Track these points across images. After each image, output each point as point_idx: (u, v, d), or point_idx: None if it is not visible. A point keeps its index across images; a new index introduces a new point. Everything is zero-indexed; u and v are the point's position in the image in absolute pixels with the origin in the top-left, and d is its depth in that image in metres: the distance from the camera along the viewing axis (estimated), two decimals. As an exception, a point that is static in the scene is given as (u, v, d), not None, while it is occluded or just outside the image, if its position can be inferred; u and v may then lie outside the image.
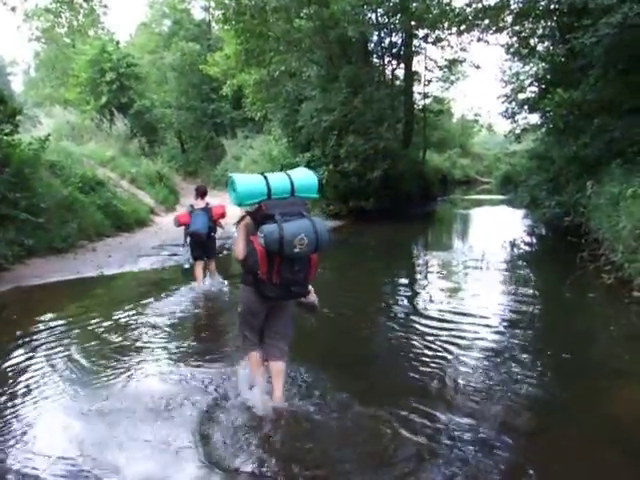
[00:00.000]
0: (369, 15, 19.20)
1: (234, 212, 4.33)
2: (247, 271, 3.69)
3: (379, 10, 19.26)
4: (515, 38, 15.39)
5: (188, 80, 29.65)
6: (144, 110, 26.16)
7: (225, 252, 10.17)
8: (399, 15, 18.94)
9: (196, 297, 7.32)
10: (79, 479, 3.11)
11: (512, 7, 13.93)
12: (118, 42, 29.23)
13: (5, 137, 10.53)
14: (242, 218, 3.74)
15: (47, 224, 10.12)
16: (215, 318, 6.79)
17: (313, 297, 4.00)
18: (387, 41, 21.21)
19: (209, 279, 7.79)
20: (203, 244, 7.39)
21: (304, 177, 3.86)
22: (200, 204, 7.41)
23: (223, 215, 7.37)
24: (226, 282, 7.66)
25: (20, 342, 5.43)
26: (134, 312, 6.59)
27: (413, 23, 18.88)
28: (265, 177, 3.62)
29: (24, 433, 3.61)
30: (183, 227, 7.56)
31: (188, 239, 7.53)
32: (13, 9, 13.03)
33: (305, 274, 3.67)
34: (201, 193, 7.56)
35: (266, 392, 3.85)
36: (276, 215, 3.43)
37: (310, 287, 3.92)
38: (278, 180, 3.65)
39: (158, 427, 3.62)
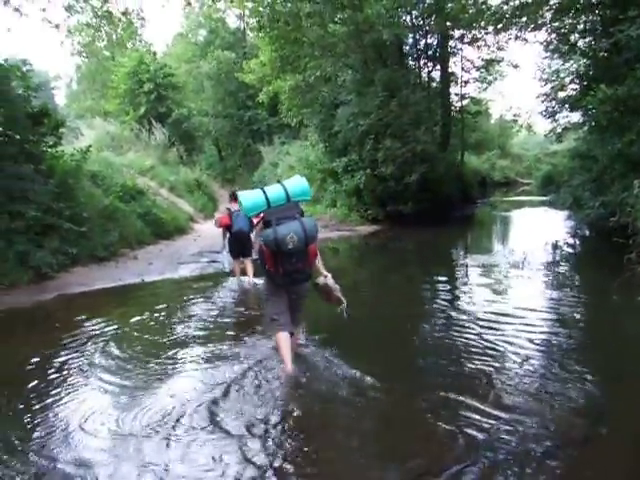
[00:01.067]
0: (404, 17, 19.10)
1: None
2: (262, 266, 4.54)
3: (414, 12, 19.13)
4: (554, 35, 15.00)
5: (224, 88, 29.95)
6: (182, 119, 26.56)
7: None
8: (434, 16, 18.76)
9: (233, 299, 7.42)
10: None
11: (551, 3, 13.59)
12: (155, 53, 29.84)
13: (49, 149, 10.82)
14: (257, 224, 4.59)
15: (89, 233, 10.30)
16: (249, 319, 6.72)
17: (330, 282, 4.70)
18: (422, 43, 21.07)
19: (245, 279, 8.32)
20: (244, 242, 7.97)
21: (296, 185, 4.53)
22: (236, 207, 7.86)
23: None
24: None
25: (62, 348, 5.48)
26: (173, 315, 6.65)
27: (448, 24, 18.65)
28: (264, 191, 4.40)
29: (55, 435, 3.64)
30: (222, 229, 8.27)
31: (226, 241, 8.30)
32: (57, 26, 13.41)
33: (303, 264, 4.39)
34: (235, 197, 7.68)
35: (294, 374, 4.40)
36: (272, 221, 4.22)
37: (328, 274, 4.73)
38: (274, 192, 4.41)
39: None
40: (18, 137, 10.01)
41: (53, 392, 4.43)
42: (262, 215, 4.36)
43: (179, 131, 25.94)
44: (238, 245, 8.16)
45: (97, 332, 6.11)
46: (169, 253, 11.80)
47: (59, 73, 47.03)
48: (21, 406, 4.17)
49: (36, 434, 3.70)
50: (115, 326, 6.33)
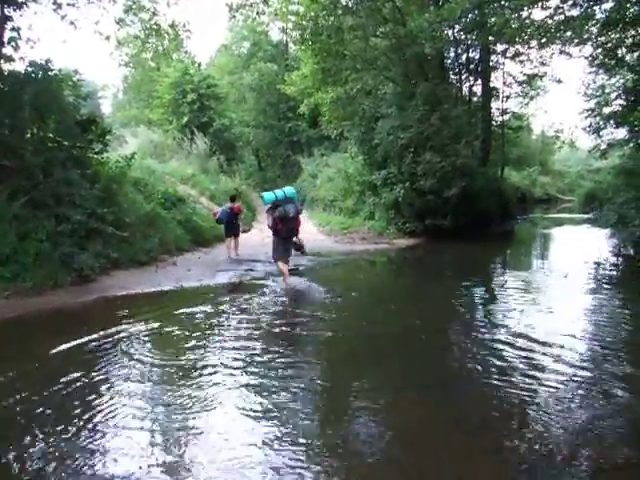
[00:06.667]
0: (446, 31, 19.03)
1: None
2: (273, 228, 8.82)
3: (456, 26, 19.06)
4: (600, 49, 14.74)
5: (266, 99, 30.31)
6: (223, 129, 26.94)
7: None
8: (477, 30, 18.64)
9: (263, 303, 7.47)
10: None
11: (597, 17, 13.36)
12: (199, 64, 30.37)
13: (95, 155, 11.12)
14: (268, 209, 8.79)
15: (131, 238, 10.50)
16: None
17: (303, 241, 9.21)
18: (464, 57, 21.03)
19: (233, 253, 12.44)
20: (229, 226, 12.45)
21: (289, 190, 8.90)
22: (229, 204, 12.67)
23: (240, 210, 12.67)
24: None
25: (104, 346, 5.63)
26: (205, 317, 6.73)
27: (491, 38, 18.52)
28: (274, 193, 8.72)
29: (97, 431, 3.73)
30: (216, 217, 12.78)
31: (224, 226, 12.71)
32: (107, 38, 13.85)
33: (294, 226, 8.88)
34: (231, 198, 13.01)
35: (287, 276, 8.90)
36: (282, 204, 8.57)
37: (301, 237, 9.15)
38: (279, 193, 8.70)
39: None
40: (67, 143, 10.35)
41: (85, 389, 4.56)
42: (275, 203, 8.59)
43: (220, 141, 26.28)
44: (227, 228, 12.46)
45: (133, 332, 6.26)
46: (207, 260, 11.94)
47: (107, 83, 48.25)
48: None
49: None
50: (150, 327, 6.48)
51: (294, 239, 9.01)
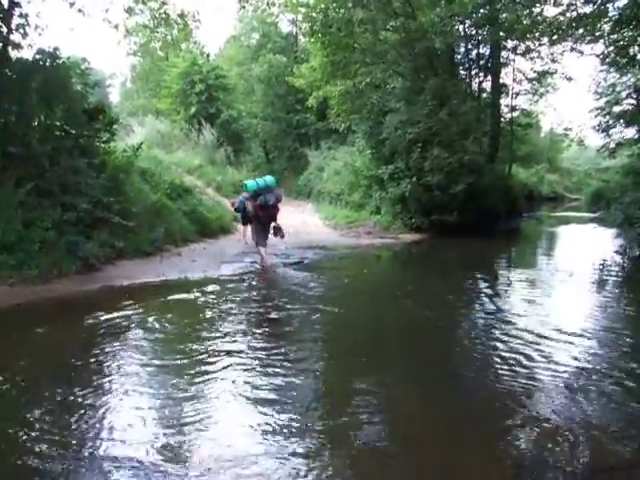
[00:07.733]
0: (457, 27, 18.88)
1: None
2: (254, 215, 9.91)
3: (467, 21, 18.92)
4: (612, 47, 14.59)
5: (274, 91, 30.15)
6: (231, 120, 26.85)
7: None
8: (487, 26, 18.50)
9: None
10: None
11: (610, 14, 13.23)
12: (208, 55, 30.30)
13: (103, 144, 11.10)
14: (250, 197, 9.82)
15: (137, 228, 10.46)
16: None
17: (279, 225, 10.18)
18: (474, 53, 20.85)
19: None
20: (245, 215, 11.76)
21: (269, 179, 10.04)
22: (244, 194, 11.56)
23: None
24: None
25: (106, 332, 5.65)
26: (207, 308, 6.73)
27: (502, 34, 18.36)
28: (257, 181, 9.89)
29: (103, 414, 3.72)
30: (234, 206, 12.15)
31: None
32: (116, 26, 13.75)
33: (273, 212, 10.00)
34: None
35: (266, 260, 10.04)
36: (262, 193, 9.72)
37: (278, 221, 10.20)
38: (260, 181, 9.87)
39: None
40: (74, 132, 10.34)
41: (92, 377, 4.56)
42: (257, 192, 9.71)
43: (228, 132, 26.22)
44: (246, 216, 12.13)
45: (135, 320, 6.28)
46: (212, 252, 11.93)
47: (115, 72, 48.13)
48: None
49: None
50: (152, 316, 6.52)
51: (272, 224, 10.20)
